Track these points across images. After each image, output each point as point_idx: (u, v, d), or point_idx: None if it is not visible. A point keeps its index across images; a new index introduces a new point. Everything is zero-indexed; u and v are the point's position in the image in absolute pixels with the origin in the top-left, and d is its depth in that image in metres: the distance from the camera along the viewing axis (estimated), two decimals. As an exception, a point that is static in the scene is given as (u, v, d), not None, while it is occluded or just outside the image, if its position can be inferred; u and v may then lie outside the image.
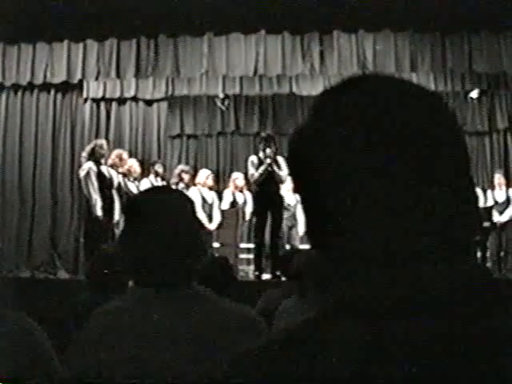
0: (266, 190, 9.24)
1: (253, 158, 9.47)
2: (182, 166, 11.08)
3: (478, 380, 0.72)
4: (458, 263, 0.80)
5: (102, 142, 9.88)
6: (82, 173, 9.26)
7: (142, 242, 1.86)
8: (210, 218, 10.30)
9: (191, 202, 1.98)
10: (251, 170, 9.38)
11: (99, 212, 9.08)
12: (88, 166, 9.25)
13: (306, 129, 0.87)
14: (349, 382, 0.73)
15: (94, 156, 9.34)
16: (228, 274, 4.55)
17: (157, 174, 10.57)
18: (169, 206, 1.90)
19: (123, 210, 2.05)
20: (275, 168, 9.18)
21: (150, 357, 1.73)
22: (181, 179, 10.49)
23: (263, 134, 9.91)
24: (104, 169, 9.39)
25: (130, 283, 3.93)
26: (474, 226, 0.85)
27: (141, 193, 2.39)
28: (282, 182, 9.29)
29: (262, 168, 9.22)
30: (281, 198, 9.45)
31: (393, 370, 0.73)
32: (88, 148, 9.63)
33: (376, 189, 0.79)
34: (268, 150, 9.25)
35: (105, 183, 9.29)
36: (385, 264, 0.79)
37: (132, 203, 2.02)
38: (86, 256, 8.98)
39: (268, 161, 9.19)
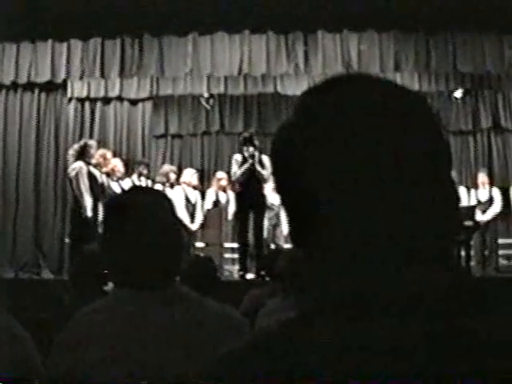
0: (248, 190, 9.23)
1: (237, 157, 9.47)
2: (169, 166, 11.07)
3: (461, 380, 0.72)
4: (438, 264, 0.80)
5: (93, 142, 9.84)
6: (73, 172, 9.15)
7: (122, 243, 1.86)
8: (193, 218, 10.29)
9: (170, 202, 1.98)
10: (234, 168, 9.38)
11: (89, 213, 9.01)
12: (79, 165, 9.16)
13: (289, 128, 0.87)
14: (327, 383, 0.74)
15: (84, 156, 9.28)
16: (212, 273, 4.55)
17: (140, 175, 10.55)
18: (148, 206, 1.90)
19: (103, 210, 2.05)
20: (258, 167, 9.17)
21: (132, 357, 1.73)
22: (168, 179, 10.48)
23: (246, 133, 9.89)
24: (91, 169, 9.33)
25: (110, 285, 3.94)
26: (455, 226, 0.85)
27: (121, 193, 2.39)
28: (264, 181, 9.28)
29: (244, 166, 9.22)
30: (263, 198, 9.43)
31: (370, 371, 0.73)
32: (77, 146, 9.54)
33: (357, 189, 0.79)
34: (251, 149, 9.23)
35: (94, 183, 9.24)
36: (364, 265, 0.79)
37: (112, 203, 2.01)
38: (72, 257, 8.89)
39: (251, 160, 9.19)
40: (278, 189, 0.89)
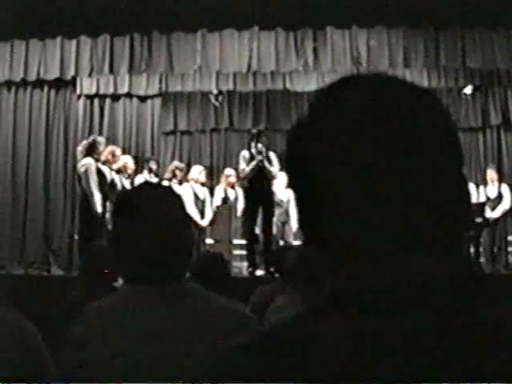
0: (256, 186, 9.22)
1: (244, 153, 9.46)
2: (176, 163, 11.08)
3: (463, 372, 0.72)
4: (448, 259, 0.80)
5: (102, 139, 9.85)
6: (83, 168, 9.16)
7: (131, 238, 1.86)
8: (202, 215, 10.30)
9: (180, 198, 1.98)
10: (242, 165, 9.37)
11: (99, 209, 9.02)
12: (88, 161, 9.16)
13: (303, 124, 0.87)
14: (337, 378, 0.74)
15: (93, 152, 9.29)
16: (223, 270, 4.55)
17: (150, 171, 10.57)
18: (157, 201, 1.90)
19: (113, 206, 2.05)
20: (266, 164, 9.16)
21: (141, 353, 1.73)
22: (174, 176, 10.50)
23: (254, 130, 9.89)
24: (100, 165, 9.34)
25: (119, 281, 3.95)
26: (466, 221, 0.85)
27: (130, 189, 2.40)
28: (272, 178, 9.28)
29: (252, 163, 9.21)
30: (271, 194, 9.43)
31: (381, 366, 0.73)
32: (86, 143, 9.56)
33: (369, 187, 0.79)
34: (259, 146, 9.23)
35: (103, 180, 9.24)
36: (375, 261, 0.79)
37: (121, 199, 2.02)
38: (81, 253, 8.90)
39: (259, 157, 9.17)
40: (291, 185, 0.89)
